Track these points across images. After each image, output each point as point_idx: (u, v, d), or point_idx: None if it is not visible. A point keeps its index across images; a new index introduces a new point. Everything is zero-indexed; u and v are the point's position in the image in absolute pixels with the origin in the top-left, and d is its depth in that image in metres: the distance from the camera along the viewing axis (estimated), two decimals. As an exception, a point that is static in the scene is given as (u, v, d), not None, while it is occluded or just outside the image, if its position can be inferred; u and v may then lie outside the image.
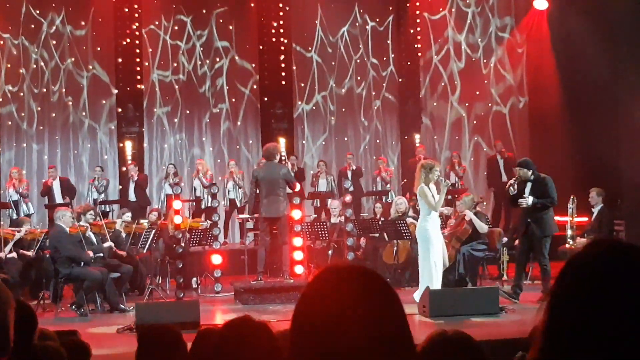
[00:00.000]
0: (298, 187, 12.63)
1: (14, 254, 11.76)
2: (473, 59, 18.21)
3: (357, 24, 18.11)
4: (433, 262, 9.78)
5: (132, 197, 15.58)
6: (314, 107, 18.04)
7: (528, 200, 10.20)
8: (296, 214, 11.82)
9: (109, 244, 11.47)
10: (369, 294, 1.46)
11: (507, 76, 18.14)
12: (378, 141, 18.25)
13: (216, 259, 12.03)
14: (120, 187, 16.75)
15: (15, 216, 14.36)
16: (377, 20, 18.20)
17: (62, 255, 10.52)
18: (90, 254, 10.76)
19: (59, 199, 15.13)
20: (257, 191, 11.53)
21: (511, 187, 10.45)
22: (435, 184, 10.08)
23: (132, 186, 15.66)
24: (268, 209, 11.30)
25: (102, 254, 11.21)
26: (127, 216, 12.89)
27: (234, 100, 17.78)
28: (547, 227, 10.34)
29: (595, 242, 1.40)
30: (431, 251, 9.79)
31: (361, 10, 18.13)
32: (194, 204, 15.53)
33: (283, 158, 13.46)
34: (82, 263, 10.61)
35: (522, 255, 10.61)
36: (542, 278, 10.45)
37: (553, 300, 1.36)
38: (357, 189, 15.88)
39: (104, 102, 17.32)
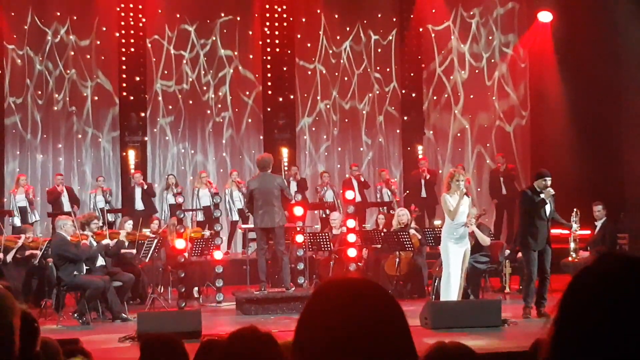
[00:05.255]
0: (299, 197, 12.52)
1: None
2: (477, 70, 18.18)
3: (360, 37, 18.10)
4: (448, 274, 9.85)
5: (139, 205, 15.52)
6: (317, 118, 18.02)
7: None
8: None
9: (100, 262, 11.28)
10: (372, 307, 1.45)
11: (512, 94, 18.05)
12: (381, 153, 18.22)
13: (218, 269, 12.03)
14: (123, 196, 16.75)
15: (19, 224, 14.29)
16: (381, 31, 18.19)
17: (66, 260, 10.48)
18: (88, 244, 10.73)
19: (67, 206, 15.03)
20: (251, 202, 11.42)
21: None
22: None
23: (139, 194, 15.61)
24: (263, 219, 11.22)
25: (104, 263, 11.20)
26: (129, 224, 12.87)
27: (237, 110, 17.78)
28: None
29: (602, 256, 1.39)
30: (449, 263, 9.86)
31: (365, 22, 18.14)
32: (202, 214, 15.46)
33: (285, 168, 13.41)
34: (85, 270, 10.60)
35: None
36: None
37: (560, 314, 1.36)
38: (362, 200, 15.88)
39: (107, 111, 17.34)
